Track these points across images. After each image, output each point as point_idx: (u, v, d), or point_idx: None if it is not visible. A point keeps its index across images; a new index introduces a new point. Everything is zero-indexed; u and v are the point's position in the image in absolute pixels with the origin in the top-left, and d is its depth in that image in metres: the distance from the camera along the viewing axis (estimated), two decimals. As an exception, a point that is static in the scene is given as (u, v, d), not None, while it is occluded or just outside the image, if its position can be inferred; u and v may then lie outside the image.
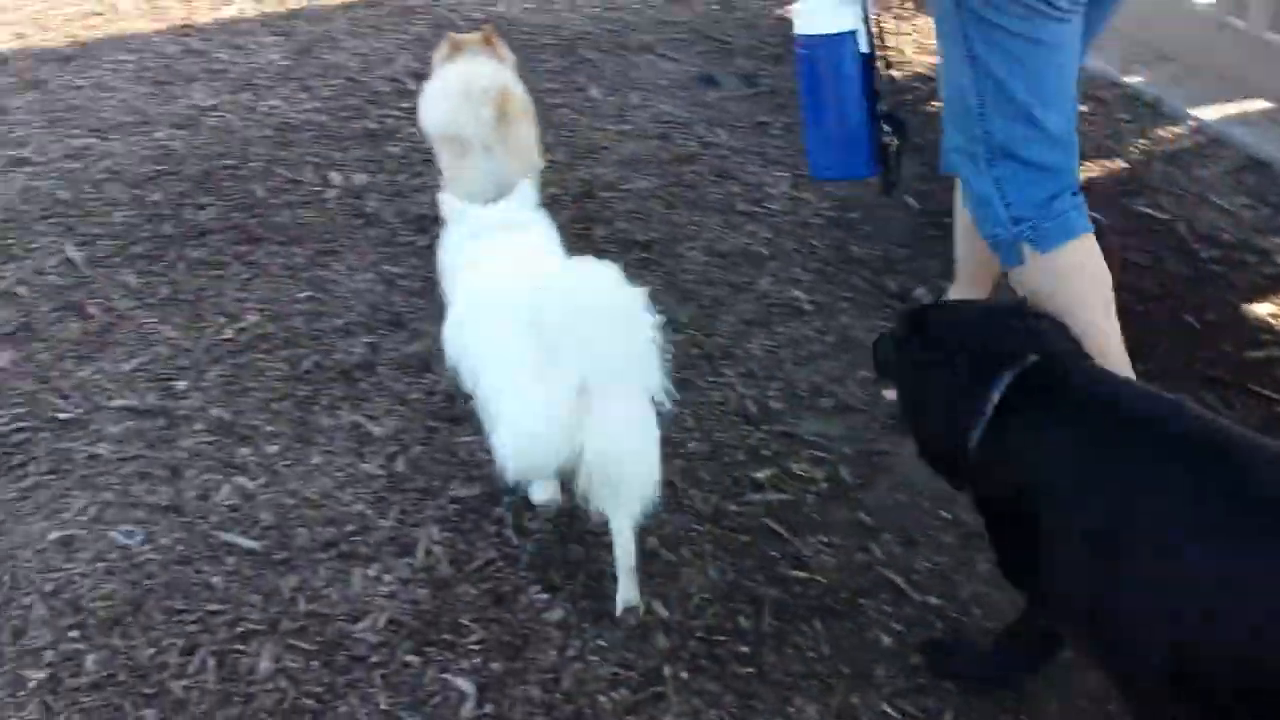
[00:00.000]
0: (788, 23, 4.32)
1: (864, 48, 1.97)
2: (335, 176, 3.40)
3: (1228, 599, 1.28)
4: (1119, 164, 3.38)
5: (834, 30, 1.95)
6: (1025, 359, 1.55)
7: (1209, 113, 3.50)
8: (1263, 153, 3.29)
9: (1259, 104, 3.44)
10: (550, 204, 3.22)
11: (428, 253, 3.01)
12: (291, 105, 3.86)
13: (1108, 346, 1.97)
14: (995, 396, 1.53)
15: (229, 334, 2.70)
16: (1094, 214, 3.08)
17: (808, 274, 2.95)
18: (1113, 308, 2.03)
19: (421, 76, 3.95)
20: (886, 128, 2.04)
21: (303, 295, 2.86)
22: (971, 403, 1.55)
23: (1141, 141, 3.47)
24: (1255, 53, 3.25)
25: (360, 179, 3.39)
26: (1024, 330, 1.63)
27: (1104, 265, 2.03)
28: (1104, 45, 3.89)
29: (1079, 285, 1.98)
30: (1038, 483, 1.50)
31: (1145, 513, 1.37)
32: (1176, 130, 3.50)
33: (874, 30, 1.99)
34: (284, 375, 2.57)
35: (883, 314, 2.78)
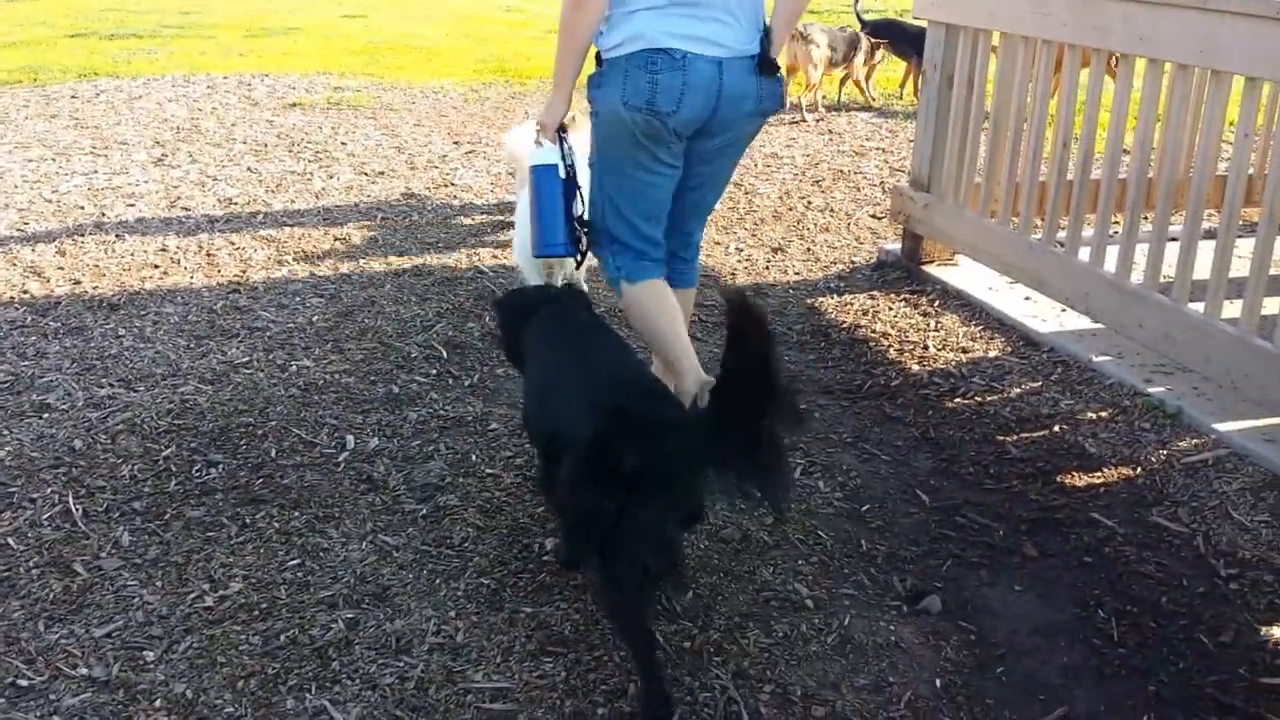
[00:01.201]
0: (816, 311, 4.46)
1: (562, 174, 3.13)
2: (350, 440, 3.42)
3: (561, 410, 2.50)
4: (1138, 472, 3.31)
5: (545, 162, 3.12)
6: (544, 306, 2.90)
7: (1231, 427, 3.45)
8: (1285, 470, 3.21)
9: (1281, 422, 3.40)
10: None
11: (426, 523, 3.00)
12: (321, 366, 3.94)
13: (675, 347, 3.12)
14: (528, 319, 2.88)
15: (209, 601, 2.64)
16: (1110, 522, 3.03)
17: (810, 566, 2.86)
18: (680, 325, 3.19)
19: (457, 344, 4.08)
20: (580, 226, 3.19)
21: (292, 562, 2.81)
22: (520, 323, 2.90)
23: (1161, 452, 3.40)
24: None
25: (374, 443, 3.41)
26: (553, 295, 2.98)
27: (670, 300, 3.21)
28: (1126, 354, 3.95)
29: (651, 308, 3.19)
30: (529, 353, 2.84)
31: (548, 367, 2.73)
32: (1197, 442, 3.44)
33: (571, 165, 3.16)
34: (256, 651, 2.48)
35: (887, 614, 2.68)
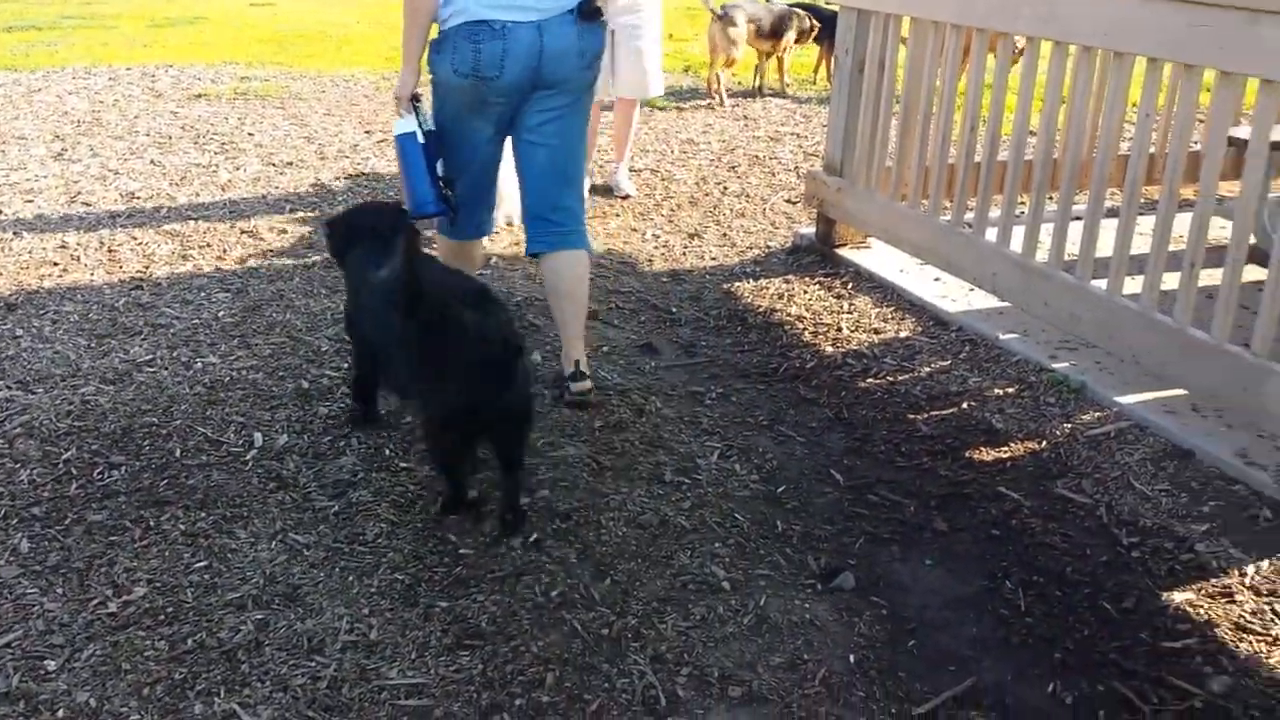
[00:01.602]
0: (732, 296, 4.45)
1: (421, 139, 3.38)
2: (258, 437, 3.35)
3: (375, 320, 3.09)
4: (1043, 446, 3.38)
5: (405, 131, 3.39)
6: (372, 230, 3.29)
7: (1133, 400, 3.53)
8: (1183, 441, 3.31)
9: (1180, 394, 3.48)
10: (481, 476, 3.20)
11: (337, 520, 2.95)
12: (227, 362, 3.85)
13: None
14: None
15: (113, 607, 2.56)
16: (1016, 495, 3.09)
17: (727, 549, 2.87)
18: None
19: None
20: (445, 186, 3.43)
21: (199, 564, 2.74)
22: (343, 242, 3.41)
23: (1065, 426, 3.48)
24: (1179, 348, 3.33)
25: (283, 440, 3.34)
26: (386, 218, 3.35)
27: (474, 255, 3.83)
28: (1031, 331, 4.02)
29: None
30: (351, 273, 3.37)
31: (369, 290, 3.14)
32: (1100, 415, 3.52)
33: (430, 130, 3.41)
34: (162, 656, 2.42)
35: (803, 593, 2.70)
